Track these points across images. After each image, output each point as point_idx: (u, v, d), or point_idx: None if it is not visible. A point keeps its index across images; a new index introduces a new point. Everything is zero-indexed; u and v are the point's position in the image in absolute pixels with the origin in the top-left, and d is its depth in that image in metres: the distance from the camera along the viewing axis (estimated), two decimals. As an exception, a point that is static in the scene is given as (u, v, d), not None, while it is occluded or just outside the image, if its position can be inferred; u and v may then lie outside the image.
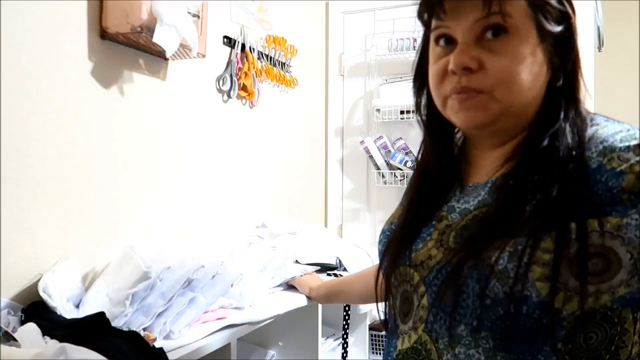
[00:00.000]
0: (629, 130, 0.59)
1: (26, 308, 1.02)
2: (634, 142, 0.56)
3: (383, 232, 0.78)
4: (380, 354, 2.14)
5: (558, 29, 0.62)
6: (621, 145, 0.57)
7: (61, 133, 1.14)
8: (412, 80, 0.74)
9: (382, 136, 2.37)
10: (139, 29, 1.16)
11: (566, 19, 0.63)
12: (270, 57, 1.95)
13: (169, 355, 0.95)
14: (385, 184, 2.37)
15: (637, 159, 0.55)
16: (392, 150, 2.34)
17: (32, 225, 1.08)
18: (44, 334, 0.91)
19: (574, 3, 0.65)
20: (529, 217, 0.57)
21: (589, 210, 0.55)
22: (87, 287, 1.13)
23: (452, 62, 0.62)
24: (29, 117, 1.07)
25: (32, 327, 0.91)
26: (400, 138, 2.34)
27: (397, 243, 0.71)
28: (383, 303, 0.74)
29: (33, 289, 1.05)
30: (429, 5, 0.65)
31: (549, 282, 0.55)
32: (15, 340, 0.90)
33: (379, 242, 0.77)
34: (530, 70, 0.61)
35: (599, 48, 2.43)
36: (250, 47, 1.80)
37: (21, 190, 1.06)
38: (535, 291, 0.55)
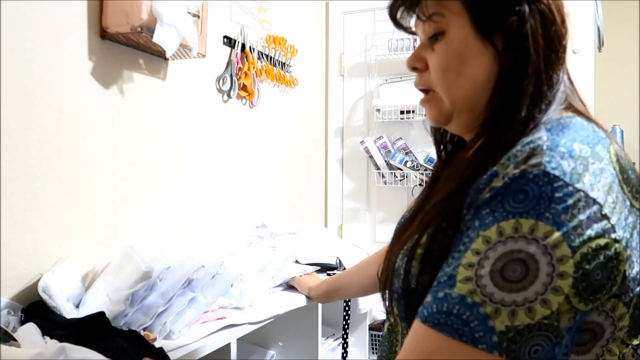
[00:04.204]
0: (530, 143, 0.53)
1: (26, 308, 1.02)
2: (513, 159, 0.53)
3: (398, 223, 0.81)
4: (380, 354, 2.13)
5: (501, 20, 0.60)
6: (512, 158, 0.53)
7: (61, 133, 1.14)
8: None
9: (382, 136, 2.37)
10: (139, 29, 1.16)
11: (519, 5, 0.59)
12: (270, 57, 1.95)
13: (169, 355, 0.95)
14: (385, 184, 2.37)
15: (502, 175, 0.52)
16: (392, 150, 2.34)
17: (32, 225, 1.08)
18: (44, 334, 0.91)
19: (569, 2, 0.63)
20: (423, 215, 0.62)
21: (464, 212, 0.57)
22: (87, 287, 1.13)
23: (406, 63, 0.69)
24: (29, 117, 1.07)
25: (31, 327, 0.91)
26: (400, 138, 2.34)
27: (395, 234, 0.75)
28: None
29: (33, 289, 1.05)
30: (392, 17, 0.69)
31: (428, 275, 0.57)
32: (15, 340, 0.90)
33: (393, 235, 0.81)
34: (462, 66, 0.62)
35: (599, 48, 2.43)
36: (250, 47, 1.80)
37: (21, 190, 1.06)
38: (420, 286, 0.59)
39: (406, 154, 2.31)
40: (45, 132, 1.10)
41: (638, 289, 0.52)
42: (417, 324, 0.54)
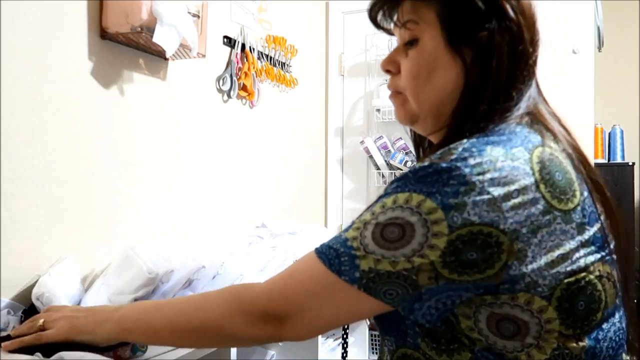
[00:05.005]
0: (451, 146, 0.58)
1: (28, 309, 1.02)
2: (432, 157, 0.58)
3: None
4: (380, 354, 2.14)
5: (471, 35, 0.63)
6: (432, 156, 0.58)
7: (61, 133, 1.14)
8: None
9: (382, 136, 2.37)
10: (139, 29, 1.16)
11: (488, 22, 0.62)
12: (270, 57, 1.95)
13: (168, 355, 0.95)
14: (385, 184, 2.36)
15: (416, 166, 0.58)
16: (392, 150, 2.34)
17: (32, 225, 1.08)
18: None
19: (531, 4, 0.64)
20: None
21: None
22: (87, 288, 1.13)
23: (380, 65, 0.73)
24: (29, 117, 1.07)
25: None
26: (400, 138, 2.34)
27: None
28: None
29: (33, 289, 1.05)
30: (372, 20, 0.72)
31: None
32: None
33: None
34: (431, 75, 0.66)
35: (599, 48, 2.44)
36: (250, 47, 1.80)
37: (21, 190, 1.05)
38: None
39: (406, 154, 2.31)
40: (45, 132, 1.10)
41: (553, 284, 0.54)
42: (312, 250, 0.63)
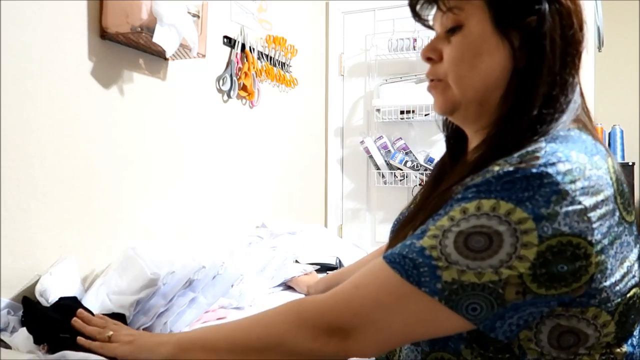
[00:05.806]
0: (530, 150, 0.54)
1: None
2: (509, 160, 0.54)
3: (396, 219, 0.81)
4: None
5: (520, 18, 0.61)
6: (509, 159, 0.55)
7: (61, 133, 1.14)
8: None
9: (382, 136, 2.37)
10: (139, 29, 1.16)
11: (539, 3, 0.60)
12: (270, 57, 1.95)
13: (169, 355, 0.95)
14: (385, 184, 2.37)
15: (497, 169, 0.54)
16: (392, 150, 2.34)
17: (32, 225, 1.08)
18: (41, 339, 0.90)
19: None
20: (424, 211, 0.62)
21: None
22: (87, 288, 1.13)
23: (421, 53, 0.70)
24: (29, 117, 1.07)
25: (24, 334, 0.90)
26: (400, 138, 2.34)
27: (394, 231, 0.75)
28: None
29: (33, 289, 1.05)
30: (412, 7, 0.70)
31: None
32: (8, 346, 0.89)
33: (390, 230, 0.80)
34: (476, 59, 0.63)
35: (599, 48, 2.44)
36: (250, 47, 1.80)
37: (21, 190, 1.05)
38: None
39: (406, 154, 2.31)
40: (45, 132, 1.10)
41: (619, 299, 0.54)
42: (379, 258, 0.59)
